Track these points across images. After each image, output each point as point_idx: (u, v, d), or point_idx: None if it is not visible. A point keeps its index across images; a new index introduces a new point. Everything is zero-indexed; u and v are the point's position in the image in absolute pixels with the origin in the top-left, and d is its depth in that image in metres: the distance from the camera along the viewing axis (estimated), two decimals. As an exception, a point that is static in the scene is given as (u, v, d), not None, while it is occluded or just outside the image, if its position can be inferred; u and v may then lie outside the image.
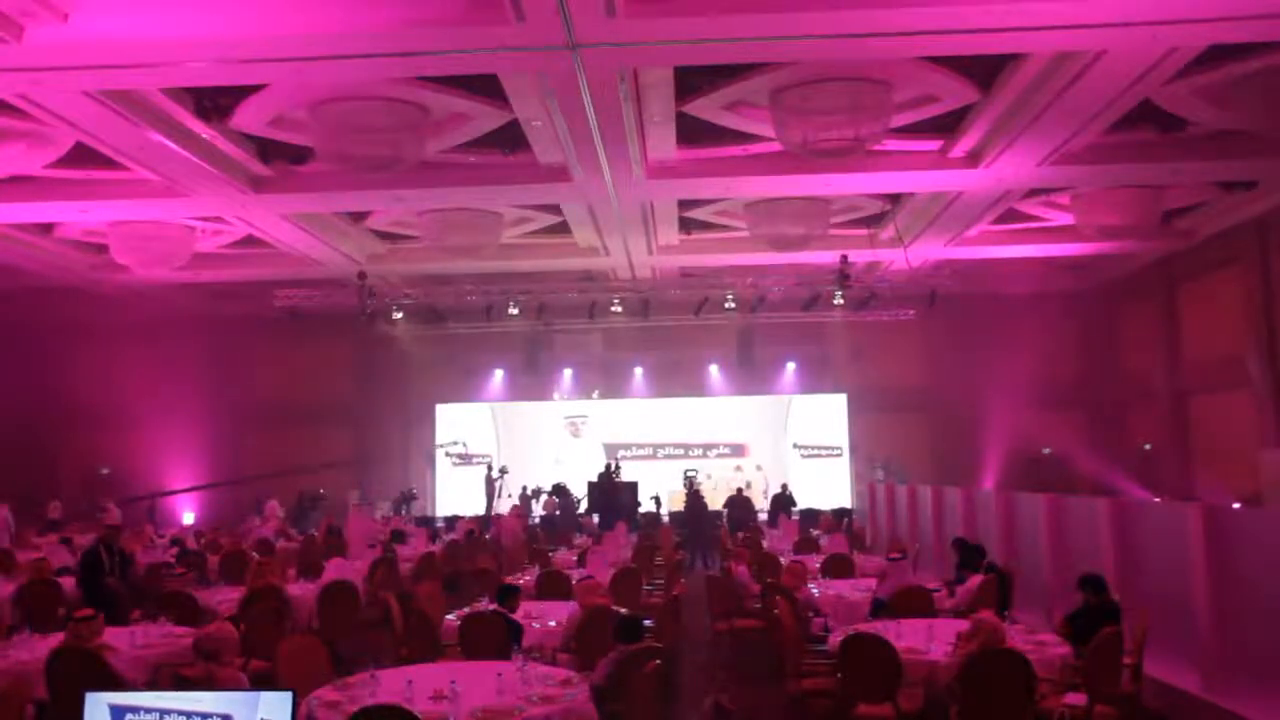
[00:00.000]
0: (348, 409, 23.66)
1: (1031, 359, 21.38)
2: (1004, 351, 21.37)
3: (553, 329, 22.49)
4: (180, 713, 3.28)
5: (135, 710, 3.31)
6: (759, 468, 23.26)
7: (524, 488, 22.09)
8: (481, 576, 10.86)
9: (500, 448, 23.93)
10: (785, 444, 23.97)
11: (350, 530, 13.45)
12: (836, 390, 23.66)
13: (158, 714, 3.29)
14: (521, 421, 24.44)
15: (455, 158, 13.70)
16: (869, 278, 19.35)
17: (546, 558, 12.54)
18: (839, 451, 23.78)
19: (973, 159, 13.56)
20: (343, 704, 5.16)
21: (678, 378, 23.98)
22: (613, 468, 20.51)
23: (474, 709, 5.04)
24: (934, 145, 13.58)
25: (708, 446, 23.95)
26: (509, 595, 7.43)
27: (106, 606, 7.82)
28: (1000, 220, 17.27)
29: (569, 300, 20.20)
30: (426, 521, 19.70)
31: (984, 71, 11.27)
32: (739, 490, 20.35)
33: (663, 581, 11.00)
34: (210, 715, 3.25)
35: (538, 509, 21.37)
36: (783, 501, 19.35)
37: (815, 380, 23.87)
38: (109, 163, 12.97)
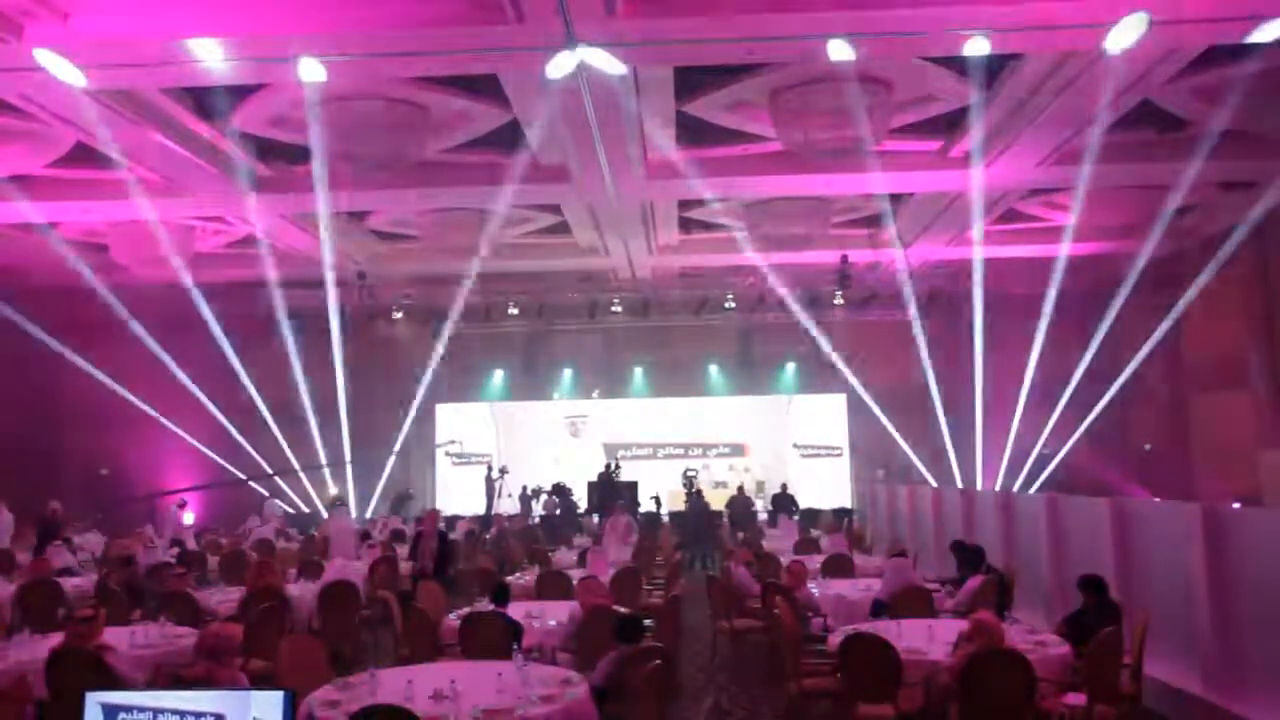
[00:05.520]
0: (347, 409, 23.61)
1: (1031, 359, 21.34)
2: (1004, 351, 21.34)
3: (552, 329, 22.47)
4: (173, 712, 3.25)
5: (128, 709, 3.28)
6: (746, 469, 23.25)
7: (524, 488, 22.09)
8: (481, 576, 10.84)
9: (500, 448, 23.93)
10: (785, 444, 23.96)
11: (332, 533, 13.44)
12: (836, 390, 23.67)
13: (150, 713, 3.26)
14: (521, 421, 24.43)
15: (455, 158, 13.70)
16: (869, 278, 19.35)
17: (546, 557, 12.53)
18: (839, 451, 23.77)
19: (972, 159, 13.56)
20: (343, 704, 5.16)
21: (678, 378, 23.98)
22: (613, 467, 20.49)
23: (474, 709, 5.03)
24: (934, 145, 13.58)
25: (708, 446, 23.94)
26: (500, 592, 7.48)
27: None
28: (1000, 220, 17.26)
29: (569, 300, 20.20)
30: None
31: (984, 71, 11.28)
32: (739, 489, 20.34)
33: (663, 581, 10.99)
34: (203, 714, 3.23)
35: (538, 509, 21.37)
36: (783, 501, 19.32)
37: (815, 380, 23.86)
38: (109, 163, 12.97)
